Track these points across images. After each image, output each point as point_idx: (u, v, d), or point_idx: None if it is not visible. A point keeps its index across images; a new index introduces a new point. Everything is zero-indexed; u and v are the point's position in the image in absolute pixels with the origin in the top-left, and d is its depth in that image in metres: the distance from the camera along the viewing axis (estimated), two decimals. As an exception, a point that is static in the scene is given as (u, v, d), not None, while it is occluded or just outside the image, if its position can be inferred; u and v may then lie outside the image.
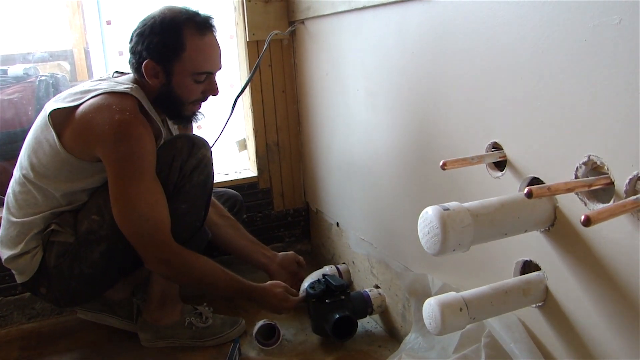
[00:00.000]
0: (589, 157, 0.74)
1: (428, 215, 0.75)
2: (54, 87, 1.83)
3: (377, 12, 1.24)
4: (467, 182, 1.02)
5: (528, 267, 0.91)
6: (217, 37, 1.31)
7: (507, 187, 0.91)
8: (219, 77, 1.35)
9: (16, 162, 1.35)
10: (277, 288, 1.43)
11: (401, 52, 1.18)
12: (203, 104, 1.37)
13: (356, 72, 1.40)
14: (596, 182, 0.71)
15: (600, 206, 0.73)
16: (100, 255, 1.29)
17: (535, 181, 0.85)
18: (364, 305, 1.42)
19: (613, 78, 0.69)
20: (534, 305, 0.87)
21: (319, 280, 1.45)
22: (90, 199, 1.31)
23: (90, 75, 2.39)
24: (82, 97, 1.24)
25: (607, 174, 0.71)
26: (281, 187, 1.90)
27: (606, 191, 0.74)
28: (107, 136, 1.20)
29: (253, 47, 1.74)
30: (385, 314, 1.45)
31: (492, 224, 0.76)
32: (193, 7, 1.30)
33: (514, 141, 0.89)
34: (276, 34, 1.69)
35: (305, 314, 1.49)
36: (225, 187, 1.74)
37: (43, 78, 1.82)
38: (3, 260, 1.34)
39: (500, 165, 0.93)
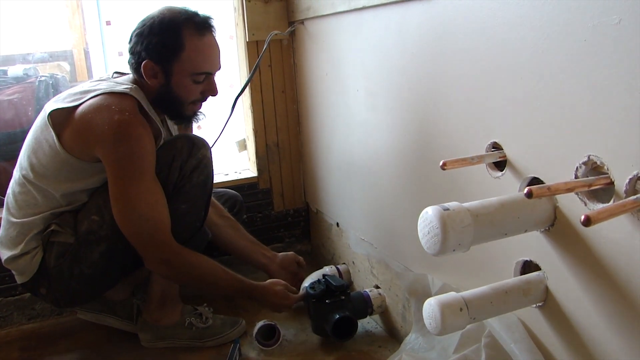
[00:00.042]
0: (589, 157, 0.74)
1: (428, 216, 0.75)
2: (54, 87, 1.83)
3: (377, 12, 1.24)
4: (467, 182, 1.02)
5: (528, 267, 0.91)
6: (216, 38, 1.31)
7: (507, 187, 0.91)
8: (219, 78, 1.35)
9: (16, 162, 1.35)
10: (277, 286, 1.43)
11: (401, 52, 1.18)
12: (203, 104, 1.37)
13: (356, 72, 1.39)
14: (596, 182, 0.71)
15: (600, 206, 0.73)
16: (100, 256, 1.29)
17: (535, 181, 0.85)
18: (364, 306, 1.42)
19: (613, 78, 0.69)
20: (534, 305, 0.87)
21: (319, 280, 1.45)
22: (90, 199, 1.31)
23: (90, 75, 2.39)
24: (82, 98, 1.25)
25: (607, 174, 0.71)
26: (281, 187, 1.90)
27: (606, 191, 0.74)
28: (106, 136, 1.20)
29: (253, 47, 1.74)
30: (385, 314, 1.45)
31: (492, 224, 0.76)
32: (192, 7, 1.30)
33: (514, 141, 0.89)
34: (276, 34, 1.69)
35: (305, 314, 1.49)
36: (225, 188, 1.74)
37: (43, 78, 1.82)
38: (3, 260, 1.34)
39: (500, 165, 0.93)
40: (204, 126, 1.64)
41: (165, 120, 1.42)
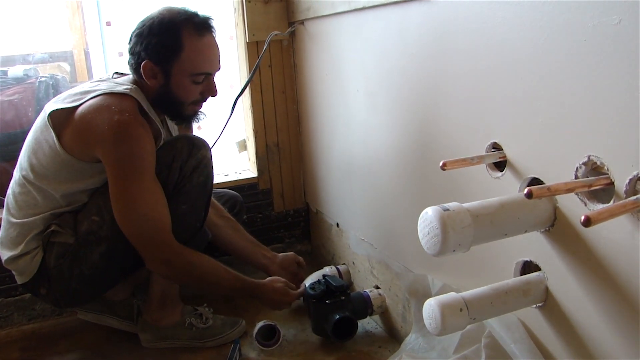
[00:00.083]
0: (588, 157, 0.74)
1: (428, 216, 0.74)
2: (54, 88, 1.83)
3: (377, 13, 1.24)
4: (467, 183, 1.02)
5: (528, 267, 0.91)
6: (216, 38, 1.31)
7: (507, 188, 0.90)
8: (218, 78, 1.35)
9: (16, 163, 1.35)
10: (278, 283, 1.44)
11: (401, 53, 1.18)
12: (203, 104, 1.37)
13: (356, 72, 1.39)
14: (596, 182, 0.71)
15: (600, 206, 0.73)
16: (100, 256, 1.29)
17: (535, 181, 0.85)
18: (364, 306, 1.42)
19: (613, 78, 0.69)
20: (534, 305, 0.87)
21: (319, 280, 1.45)
22: (90, 199, 1.31)
23: (90, 76, 2.39)
24: (82, 98, 1.25)
25: (607, 174, 0.71)
26: (281, 187, 1.90)
27: (606, 191, 0.74)
28: (106, 137, 1.20)
29: (253, 47, 1.74)
30: (385, 315, 1.45)
31: (492, 224, 0.76)
32: (192, 7, 1.30)
33: (514, 141, 0.89)
34: (276, 34, 1.69)
35: (305, 314, 1.49)
36: (225, 188, 1.74)
37: (43, 79, 1.83)
38: (3, 261, 1.34)
39: (500, 165, 0.93)
40: (204, 126, 1.65)
41: (165, 120, 1.42)
